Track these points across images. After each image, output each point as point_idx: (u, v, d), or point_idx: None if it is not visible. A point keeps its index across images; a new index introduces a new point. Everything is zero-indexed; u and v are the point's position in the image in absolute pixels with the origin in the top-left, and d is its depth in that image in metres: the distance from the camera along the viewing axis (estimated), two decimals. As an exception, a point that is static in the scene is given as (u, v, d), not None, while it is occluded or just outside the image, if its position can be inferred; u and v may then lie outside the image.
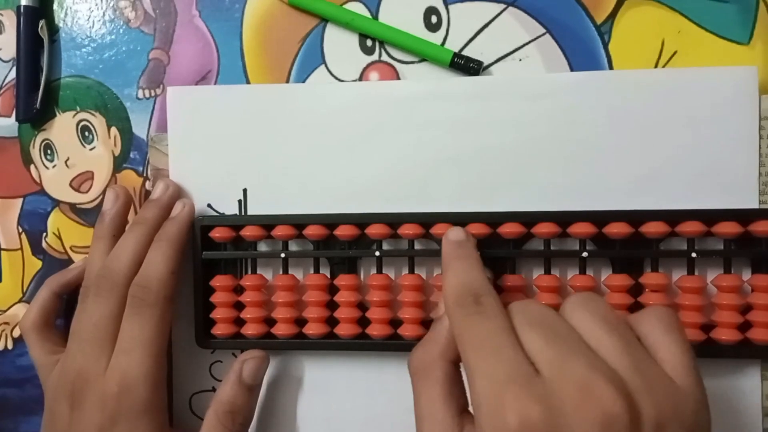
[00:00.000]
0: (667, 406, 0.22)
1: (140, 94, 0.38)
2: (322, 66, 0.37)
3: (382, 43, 0.36)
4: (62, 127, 0.39)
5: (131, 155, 0.38)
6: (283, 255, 0.35)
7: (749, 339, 0.31)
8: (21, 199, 0.39)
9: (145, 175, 0.38)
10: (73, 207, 0.39)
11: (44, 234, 0.39)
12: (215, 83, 0.37)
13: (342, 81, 0.36)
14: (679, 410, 0.22)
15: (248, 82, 0.37)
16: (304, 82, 0.37)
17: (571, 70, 0.35)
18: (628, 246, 0.32)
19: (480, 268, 0.28)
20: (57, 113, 0.39)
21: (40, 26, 0.38)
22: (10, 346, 0.39)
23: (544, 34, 0.35)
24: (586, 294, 0.26)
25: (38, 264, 0.39)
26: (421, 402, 0.27)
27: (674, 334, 0.24)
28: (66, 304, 0.37)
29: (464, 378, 0.27)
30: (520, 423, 0.21)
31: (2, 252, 0.40)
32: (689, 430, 0.22)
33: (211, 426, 0.33)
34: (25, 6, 0.38)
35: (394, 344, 0.34)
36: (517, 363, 0.23)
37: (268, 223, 0.35)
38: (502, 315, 0.25)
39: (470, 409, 0.25)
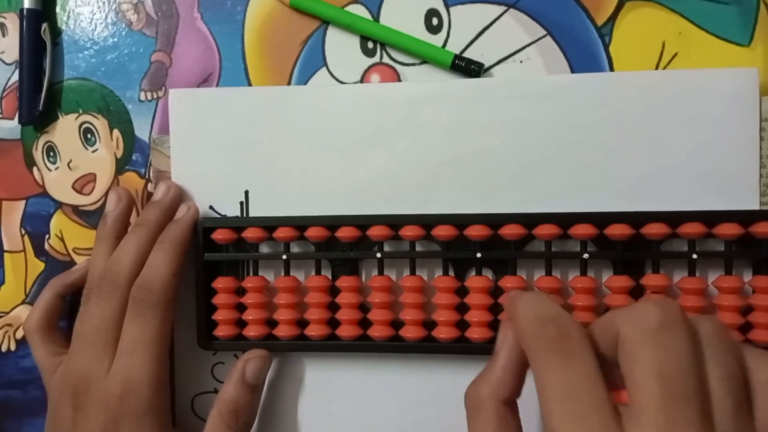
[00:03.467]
0: None
1: (142, 97, 0.38)
2: (324, 68, 0.37)
3: (383, 45, 0.36)
4: (65, 129, 0.39)
5: (133, 157, 0.38)
6: (284, 257, 0.35)
7: (750, 340, 0.31)
8: (24, 201, 0.39)
9: (147, 177, 0.38)
10: (75, 209, 0.39)
11: (47, 236, 0.39)
12: (217, 85, 0.37)
13: (343, 83, 0.37)
14: None
15: (250, 85, 0.37)
16: (305, 84, 0.37)
17: (572, 71, 0.35)
18: (629, 247, 0.32)
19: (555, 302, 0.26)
20: (59, 115, 0.39)
21: (42, 29, 0.38)
22: (13, 347, 0.40)
23: (544, 36, 0.35)
24: (724, 332, 0.23)
25: (41, 266, 0.39)
26: None
27: None
28: (69, 305, 0.38)
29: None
30: None
31: (5, 254, 0.40)
32: None
33: (215, 425, 0.33)
34: (27, 9, 0.38)
35: (396, 346, 0.34)
36: (606, 429, 0.21)
37: (270, 224, 0.35)
38: (590, 356, 0.22)
39: None
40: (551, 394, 0.22)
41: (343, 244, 0.34)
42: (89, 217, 0.39)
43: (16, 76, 0.39)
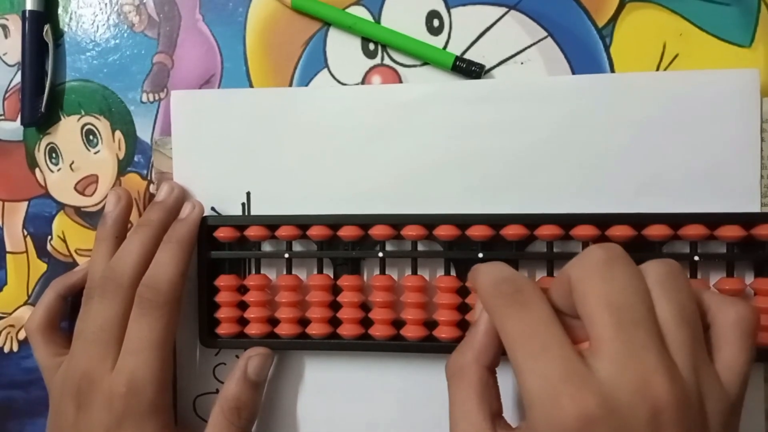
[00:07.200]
0: (713, 411, 0.23)
1: (144, 98, 0.38)
2: (325, 69, 0.37)
3: (384, 47, 0.36)
4: (67, 130, 0.39)
5: (135, 159, 0.38)
6: (286, 255, 0.35)
7: (751, 341, 0.31)
8: (26, 203, 0.40)
9: (149, 178, 0.38)
10: (77, 210, 0.39)
11: (49, 237, 0.39)
12: (219, 87, 0.38)
13: (344, 84, 0.37)
14: (720, 415, 0.23)
15: (251, 86, 0.37)
16: (307, 85, 0.37)
17: (573, 73, 0.35)
18: (631, 249, 0.32)
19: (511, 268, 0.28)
20: (62, 117, 0.39)
21: (44, 31, 0.38)
22: (15, 348, 0.40)
23: (545, 38, 0.35)
24: (676, 273, 0.24)
25: (43, 267, 0.39)
26: (456, 404, 0.27)
27: (747, 342, 0.24)
28: (71, 306, 0.38)
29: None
30: (577, 420, 0.21)
31: (7, 255, 0.40)
32: None
33: (217, 422, 0.33)
34: (30, 11, 0.38)
35: (397, 345, 0.34)
36: (568, 361, 0.22)
37: (273, 223, 0.35)
38: (545, 303, 0.24)
39: (504, 414, 0.26)
40: (513, 339, 0.24)
41: (345, 243, 0.34)
42: (91, 219, 0.39)
43: (18, 78, 0.39)
